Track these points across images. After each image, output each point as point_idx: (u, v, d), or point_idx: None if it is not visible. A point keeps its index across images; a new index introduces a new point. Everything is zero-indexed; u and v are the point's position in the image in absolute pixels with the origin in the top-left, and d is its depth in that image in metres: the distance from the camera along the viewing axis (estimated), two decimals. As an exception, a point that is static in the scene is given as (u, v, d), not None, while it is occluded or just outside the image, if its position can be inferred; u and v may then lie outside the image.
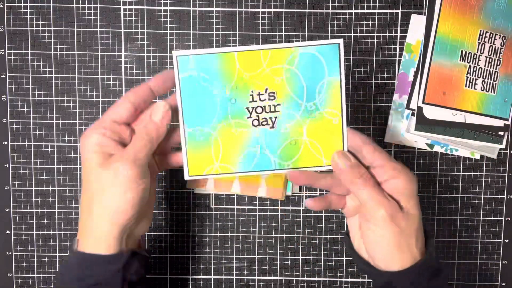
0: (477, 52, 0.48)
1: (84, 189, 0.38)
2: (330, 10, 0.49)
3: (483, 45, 0.48)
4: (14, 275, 0.51)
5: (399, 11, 0.49)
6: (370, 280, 0.51)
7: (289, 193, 0.50)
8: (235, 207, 0.51)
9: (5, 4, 0.49)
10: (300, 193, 0.51)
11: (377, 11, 0.49)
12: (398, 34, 0.49)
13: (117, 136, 0.37)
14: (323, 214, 0.51)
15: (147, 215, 0.41)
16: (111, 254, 0.37)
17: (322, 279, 0.51)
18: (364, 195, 0.38)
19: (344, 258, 0.51)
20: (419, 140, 0.50)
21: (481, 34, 0.48)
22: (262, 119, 0.40)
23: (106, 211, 0.36)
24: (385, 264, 0.38)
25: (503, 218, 0.51)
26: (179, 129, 0.40)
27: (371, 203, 0.37)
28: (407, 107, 0.49)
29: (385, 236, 0.37)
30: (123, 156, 0.36)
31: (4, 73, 0.49)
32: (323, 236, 0.51)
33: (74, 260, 0.38)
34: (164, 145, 0.41)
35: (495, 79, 0.48)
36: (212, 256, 0.51)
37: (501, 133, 0.48)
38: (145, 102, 0.38)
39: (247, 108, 0.39)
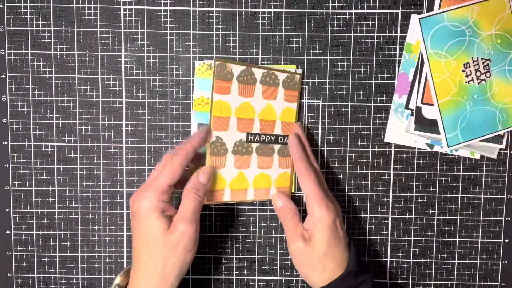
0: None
1: (144, 251, 0.41)
2: (330, 10, 0.49)
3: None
4: (14, 275, 0.51)
5: (399, 11, 0.49)
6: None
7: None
8: (235, 207, 0.51)
9: (5, 4, 0.49)
10: (300, 193, 0.51)
11: (377, 11, 0.49)
12: (398, 34, 0.49)
13: (170, 198, 0.43)
14: (323, 214, 0.51)
15: None
16: None
17: (322, 279, 0.51)
18: (285, 231, 0.46)
19: (344, 258, 0.51)
20: (419, 140, 0.50)
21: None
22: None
23: (176, 268, 0.41)
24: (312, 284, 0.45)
25: (503, 218, 0.51)
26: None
27: (287, 239, 0.45)
28: (406, 107, 0.49)
29: (297, 266, 0.45)
30: (185, 219, 0.41)
31: (4, 73, 0.49)
32: (323, 236, 0.51)
33: None
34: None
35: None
36: (212, 256, 0.51)
37: (500, 133, 0.48)
38: (190, 161, 0.43)
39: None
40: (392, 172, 0.50)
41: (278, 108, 0.48)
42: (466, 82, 0.48)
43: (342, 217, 0.51)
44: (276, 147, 0.48)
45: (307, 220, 0.45)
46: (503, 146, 0.49)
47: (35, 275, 0.51)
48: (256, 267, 0.51)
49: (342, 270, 0.44)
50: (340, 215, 0.45)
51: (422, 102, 0.48)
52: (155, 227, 0.41)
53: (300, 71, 0.49)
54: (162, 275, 0.41)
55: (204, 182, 0.43)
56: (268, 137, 0.48)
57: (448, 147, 0.48)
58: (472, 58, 0.47)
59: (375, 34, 0.49)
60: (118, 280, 0.45)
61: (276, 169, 0.49)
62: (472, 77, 0.47)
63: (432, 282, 0.51)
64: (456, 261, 0.51)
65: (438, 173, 0.50)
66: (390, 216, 0.51)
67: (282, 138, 0.48)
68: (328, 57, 0.49)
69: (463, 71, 0.47)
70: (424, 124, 0.49)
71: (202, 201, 0.43)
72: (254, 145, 0.47)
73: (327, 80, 0.50)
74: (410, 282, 0.51)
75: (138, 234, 0.42)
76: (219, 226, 0.51)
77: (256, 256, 0.51)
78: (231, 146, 0.46)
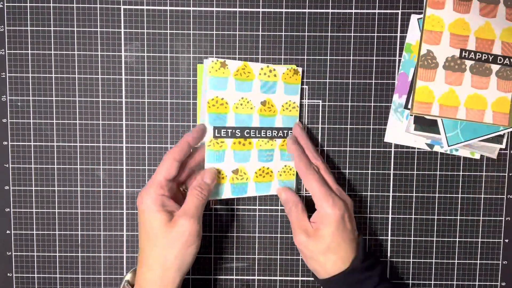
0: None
1: (147, 245, 0.42)
2: (330, 10, 0.49)
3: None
4: (14, 275, 0.51)
5: (399, 11, 0.49)
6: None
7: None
8: (235, 207, 0.51)
9: (5, 4, 0.49)
10: (300, 193, 0.51)
11: (377, 11, 0.49)
12: (398, 34, 0.49)
13: (172, 192, 0.44)
14: (323, 214, 0.51)
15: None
16: None
17: (322, 279, 0.51)
18: (290, 223, 0.47)
19: (344, 258, 0.51)
20: (419, 140, 0.50)
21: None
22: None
23: (176, 262, 0.42)
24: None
25: (503, 218, 0.51)
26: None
27: (292, 231, 0.46)
28: (406, 107, 0.49)
29: (303, 258, 0.46)
30: (186, 214, 0.42)
31: (4, 73, 0.49)
32: (323, 236, 0.51)
33: None
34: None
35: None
36: (212, 256, 0.51)
37: (501, 133, 0.48)
38: (185, 156, 0.44)
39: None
40: (392, 172, 0.50)
41: (498, 27, 0.44)
42: None
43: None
44: (495, 67, 0.45)
45: (315, 214, 0.45)
46: (503, 146, 0.49)
47: (35, 275, 0.51)
48: (256, 267, 0.51)
49: (346, 265, 0.44)
50: (349, 209, 0.45)
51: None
52: (156, 221, 0.42)
53: None
54: (164, 267, 0.42)
55: (208, 182, 0.44)
56: (484, 56, 0.44)
57: (448, 146, 0.48)
58: None
59: (375, 34, 0.49)
60: (128, 276, 0.46)
61: (494, 92, 0.45)
62: None
63: (432, 282, 0.51)
64: (456, 261, 0.51)
65: (438, 173, 0.50)
66: (390, 216, 0.51)
67: (502, 59, 0.44)
68: (328, 57, 0.49)
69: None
70: (424, 124, 0.49)
71: (205, 199, 0.44)
72: (468, 63, 0.45)
73: (327, 80, 0.50)
74: (410, 282, 0.51)
75: (142, 229, 0.43)
76: (219, 226, 0.51)
77: (256, 256, 0.51)
78: (443, 61, 0.45)
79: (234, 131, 0.47)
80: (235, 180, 0.48)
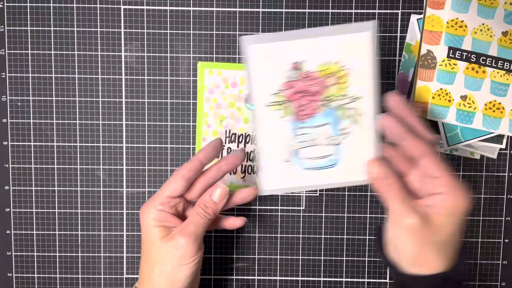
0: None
1: (144, 258, 0.42)
2: (330, 10, 0.49)
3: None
4: (14, 275, 0.51)
5: (399, 11, 0.49)
6: (372, 280, 0.51)
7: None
8: (235, 207, 0.51)
9: (5, 4, 0.49)
10: (300, 193, 0.51)
11: (377, 11, 0.49)
12: (398, 34, 0.49)
13: (173, 209, 0.42)
14: (323, 214, 0.51)
15: (195, 285, 0.45)
16: None
17: (322, 279, 0.51)
18: (390, 205, 0.40)
19: (344, 258, 0.51)
20: (419, 140, 0.50)
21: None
22: None
23: (165, 279, 0.40)
24: (403, 266, 0.40)
25: (503, 218, 0.51)
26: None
27: (396, 213, 0.39)
28: (407, 107, 0.49)
29: (405, 245, 0.39)
30: (184, 231, 0.40)
31: (4, 73, 0.49)
32: (323, 236, 0.51)
33: None
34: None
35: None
36: (212, 256, 0.51)
37: (501, 133, 0.48)
38: (196, 175, 0.42)
39: None
40: (392, 172, 0.50)
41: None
42: None
43: (342, 217, 0.51)
44: (489, 70, 0.45)
45: (433, 198, 0.39)
46: (503, 146, 0.49)
47: (35, 275, 0.51)
48: (256, 267, 0.51)
49: (451, 263, 0.39)
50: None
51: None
52: (151, 234, 0.41)
53: None
54: (150, 283, 0.41)
55: (216, 201, 0.42)
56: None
57: (448, 146, 0.48)
58: None
59: (375, 34, 0.49)
60: None
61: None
62: None
63: (432, 282, 0.51)
64: (456, 261, 0.51)
65: (438, 173, 0.50)
66: (390, 216, 0.51)
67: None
68: (328, 57, 0.49)
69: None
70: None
71: (209, 219, 0.42)
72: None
73: (327, 80, 0.50)
74: (410, 282, 0.51)
75: (142, 242, 0.43)
76: (219, 226, 0.51)
77: (256, 256, 0.51)
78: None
79: (469, 55, 0.45)
80: (461, 106, 0.44)
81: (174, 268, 0.40)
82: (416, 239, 0.39)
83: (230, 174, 0.50)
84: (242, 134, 0.49)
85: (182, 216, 0.43)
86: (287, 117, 0.40)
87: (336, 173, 0.42)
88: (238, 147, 0.49)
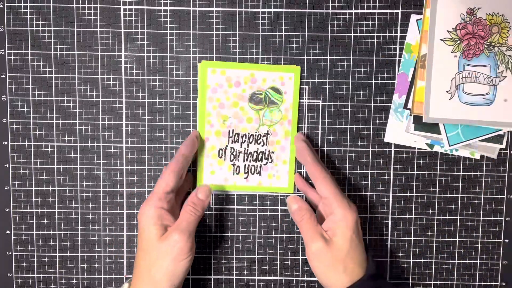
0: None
1: (142, 257, 0.43)
2: (330, 10, 0.49)
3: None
4: (14, 275, 0.51)
5: (399, 11, 0.49)
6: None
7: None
8: (235, 207, 0.51)
9: (5, 4, 0.49)
10: (300, 193, 0.51)
11: (377, 11, 0.49)
12: (398, 34, 0.49)
13: (169, 204, 0.44)
14: (323, 214, 0.51)
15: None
16: None
17: (322, 279, 0.51)
18: (303, 233, 0.45)
19: (344, 258, 0.51)
20: (419, 140, 0.50)
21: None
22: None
23: (166, 275, 0.42)
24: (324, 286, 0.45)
25: (503, 218, 0.51)
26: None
27: (306, 240, 0.45)
28: (405, 106, 0.49)
29: (315, 269, 0.45)
30: (178, 229, 0.42)
31: (4, 73, 0.49)
32: (323, 236, 0.51)
33: None
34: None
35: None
36: (212, 256, 0.51)
37: (501, 133, 0.48)
38: (183, 169, 0.45)
39: None
40: (392, 172, 0.51)
41: None
42: None
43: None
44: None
45: (327, 221, 0.45)
46: (503, 146, 0.49)
47: (35, 275, 0.51)
48: (256, 267, 0.51)
49: (362, 272, 0.44)
50: (358, 216, 0.45)
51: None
52: (150, 233, 0.42)
53: None
54: (152, 281, 0.42)
55: (202, 198, 0.45)
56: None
57: (450, 146, 0.48)
58: None
59: (375, 34, 0.49)
60: (125, 286, 0.46)
61: None
62: None
63: (432, 282, 0.51)
64: (456, 261, 0.51)
65: (438, 173, 0.50)
66: (390, 216, 0.51)
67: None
68: (328, 57, 0.49)
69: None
70: (424, 124, 0.49)
71: (199, 216, 0.44)
72: None
73: (327, 80, 0.50)
74: (410, 282, 0.51)
75: (139, 239, 0.44)
76: (219, 226, 0.51)
77: (256, 256, 0.51)
78: None
79: None
80: None
81: (172, 264, 0.42)
82: (321, 263, 0.43)
83: (234, 174, 0.50)
84: (245, 134, 0.49)
85: (174, 213, 0.45)
86: (457, 53, 0.46)
87: (488, 112, 0.47)
88: (241, 147, 0.50)
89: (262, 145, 0.50)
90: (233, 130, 0.49)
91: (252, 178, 0.50)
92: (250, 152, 0.50)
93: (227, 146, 0.50)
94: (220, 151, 0.50)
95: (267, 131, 0.50)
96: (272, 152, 0.50)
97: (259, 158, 0.50)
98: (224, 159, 0.50)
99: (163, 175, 0.44)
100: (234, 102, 0.49)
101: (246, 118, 0.49)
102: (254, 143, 0.50)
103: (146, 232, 0.43)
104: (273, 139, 0.50)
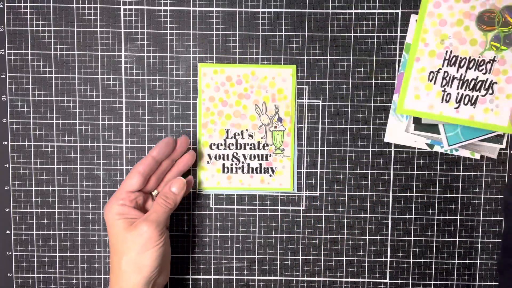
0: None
1: (112, 251, 0.44)
2: (330, 10, 0.49)
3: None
4: (14, 275, 0.51)
5: (399, 11, 0.49)
6: (372, 280, 0.51)
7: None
8: (235, 207, 0.51)
9: (5, 4, 0.49)
10: (300, 193, 0.51)
11: (377, 11, 0.49)
12: (398, 34, 0.49)
13: (134, 203, 0.45)
14: (323, 214, 0.51)
15: (166, 267, 0.47)
16: None
17: (322, 279, 0.51)
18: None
19: (344, 258, 0.51)
20: (419, 140, 0.50)
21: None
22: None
23: (133, 266, 0.43)
24: None
25: (503, 218, 0.51)
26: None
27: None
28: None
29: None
30: (146, 219, 0.43)
31: (4, 73, 0.49)
32: (323, 236, 0.51)
33: None
34: None
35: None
36: (212, 256, 0.51)
37: (501, 133, 0.48)
38: (151, 170, 0.45)
39: None
40: (392, 172, 0.51)
41: None
42: None
43: (342, 217, 0.51)
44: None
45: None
46: (503, 146, 0.49)
47: (35, 275, 0.51)
48: (256, 267, 0.51)
49: None
50: None
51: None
52: (117, 226, 0.43)
53: None
54: (124, 276, 0.43)
55: (174, 191, 0.45)
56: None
57: (449, 146, 0.48)
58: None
59: (375, 34, 0.49)
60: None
61: None
62: None
63: (432, 282, 0.51)
64: (456, 261, 0.51)
65: (438, 173, 0.50)
66: (390, 216, 0.51)
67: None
68: (328, 57, 0.49)
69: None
70: (424, 124, 0.49)
71: (171, 209, 0.45)
72: None
73: (327, 80, 0.50)
74: (410, 282, 0.51)
75: (109, 238, 0.45)
76: (219, 226, 0.51)
77: (256, 256, 0.51)
78: None
79: None
80: None
81: (139, 254, 0.43)
82: None
83: (442, 101, 0.45)
84: (465, 58, 0.44)
85: (142, 209, 0.46)
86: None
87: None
88: (457, 72, 0.45)
89: (484, 73, 0.44)
90: (451, 51, 0.44)
91: (464, 110, 0.44)
92: (467, 79, 0.44)
93: (440, 69, 0.44)
94: (431, 74, 0.44)
95: (494, 57, 0.44)
96: (495, 83, 0.44)
97: (477, 87, 0.44)
98: (434, 83, 0.45)
99: (129, 175, 0.45)
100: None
101: (470, 39, 0.44)
102: (475, 69, 0.44)
103: (113, 227, 0.43)
104: (499, 68, 0.44)
